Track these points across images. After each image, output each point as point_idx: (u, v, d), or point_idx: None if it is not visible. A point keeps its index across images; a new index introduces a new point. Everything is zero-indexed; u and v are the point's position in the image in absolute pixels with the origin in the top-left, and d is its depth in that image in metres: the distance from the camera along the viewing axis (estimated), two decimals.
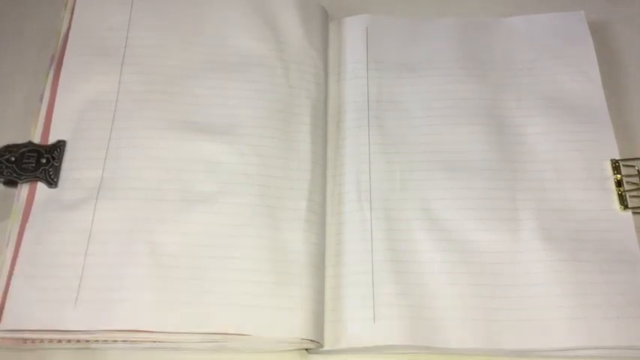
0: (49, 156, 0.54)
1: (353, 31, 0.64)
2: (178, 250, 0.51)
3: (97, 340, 0.49)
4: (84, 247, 0.51)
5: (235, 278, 0.50)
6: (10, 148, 0.55)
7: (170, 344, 0.49)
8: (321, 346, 0.50)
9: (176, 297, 0.49)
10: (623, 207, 0.55)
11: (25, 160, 0.54)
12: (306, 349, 0.51)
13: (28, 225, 0.52)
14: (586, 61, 0.61)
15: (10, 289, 0.49)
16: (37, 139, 0.55)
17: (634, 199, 0.55)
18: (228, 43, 0.61)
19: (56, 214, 0.52)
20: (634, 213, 0.55)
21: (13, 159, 0.54)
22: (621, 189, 0.55)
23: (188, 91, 0.58)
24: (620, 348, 0.49)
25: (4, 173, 0.54)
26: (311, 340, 0.49)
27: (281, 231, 0.52)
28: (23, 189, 0.54)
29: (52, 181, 0.53)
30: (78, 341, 0.49)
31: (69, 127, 0.56)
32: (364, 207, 0.55)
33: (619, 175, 0.56)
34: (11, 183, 0.54)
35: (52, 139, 0.55)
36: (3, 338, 0.49)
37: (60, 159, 0.54)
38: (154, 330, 0.48)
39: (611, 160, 0.57)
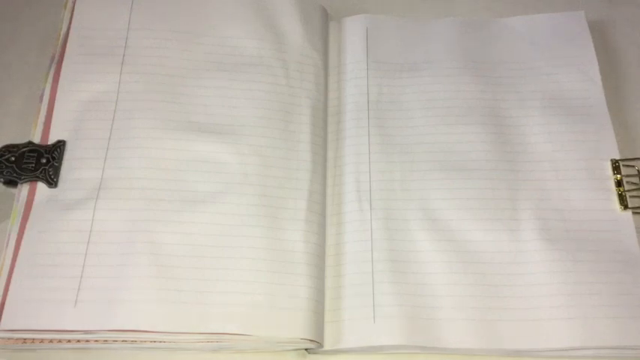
0: (49, 156, 0.54)
1: (353, 31, 0.64)
2: (178, 250, 0.51)
3: (96, 340, 0.49)
4: (84, 247, 0.51)
5: (235, 278, 0.50)
6: (10, 148, 0.55)
7: (170, 344, 0.49)
8: (321, 346, 0.50)
9: (176, 297, 0.49)
10: (623, 207, 0.55)
11: (25, 160, 0.54)
12: (306, 349, 0.51)
13: (28, 225, 0.52)
14: (586, 61, 0.61)
15: (10, 289, 0.49)
16: (37, 139, 0.55)
17: (634, 199, 0.55)
18: (228, 43, 0.61)
19: (56, 214, 0.52)
20: (634, 213, 0.55)
21: (13, 159, 0.54)
22: (621, 189, 0.55)
23: (188, 91, 0.58)
24: (620, 348, 0.49)
25: (4, 173, 0.54)
26: (311, 340, 0.49)
27: (281, 231, 0.52)
28: (23, 189, 0.54)
29: (52, 181, 0.53)
30: (78, 341, 0.49)
31: (69, 127, 0.56)
32: (364, 207, 0.55)
33: (619, 175, 0.56)
34: (11, 183, 0.54)
35: (52, 139, 0.55)
36: (3, 338, 0.49)
37: (60, 159, 0.54)
38: (154, 330, 0.48)
39: (611, 160, 0.57)
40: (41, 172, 0.53)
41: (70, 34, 0.60)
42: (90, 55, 0.59)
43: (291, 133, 0.57)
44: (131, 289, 0.49)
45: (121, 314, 0.48)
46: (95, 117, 0.56)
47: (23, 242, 0.51)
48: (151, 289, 0.49)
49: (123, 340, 0.49)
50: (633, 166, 0.57)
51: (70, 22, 0.60)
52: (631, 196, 0.55)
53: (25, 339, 0.49)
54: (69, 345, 0.49)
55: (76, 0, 0.61)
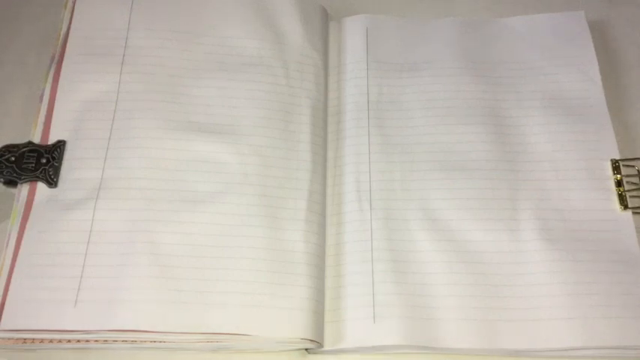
0: (49, 156, 0.54)
1: (353, 31, 0.64)
2: (178, 250, 0.51)
3: (96, 340, 0.49)
4: (84, 247, 0.51)
5: (235, 278, 0.50)
6: (10, 148, 0.55)
7: (170, 344, 0.49)
8: (321, 346, 0.50)
9: (176, 297, 0.49)
10: (623, 207, 0.55)
11: (25, 160, 0.54)
12: (306, 349, 0.51)
13: (28, 225, 0.52)
14: (586, 61, 0.61)
15: (10, 289, 0.49)
16: (37, 139, 0.55)
17: (634, 199, 0.55)
18: (228, 43, 0.61)
19: (56, 214, 0.52)
20: (634, 213, 0.55)
21: (13, 159, 0.54)
22: (621, 189, 0.55)
23: (188, 91, 0.58)
24: (620, 348, 0.49)
25: (4, 173, 0.54)
26: (311, 340, 0.49)
27: (281, 231, 0.52)
28: (23, 189, 0.54)
29: (52, 181, 0.53)
30: (78, 341, 0.49)
31: (69, 127, 0.56)
32: (364, 207, 0.55)
33: (619, 175, 0.56)
34: (11, 183, 0.54)
35: (52, 139, 0.55)
36: (3, 338, 0.49)
37: (60, 159, 0.54)
38: (154, 330, 0.48)
39: (611, 160, 0.57)
40: (41, 172, 0.53)
41: (70, 34, 0.60)
42: (90, 55, 0.59)
43: (291, 133, 0.57)
44: (131, 289, 0.49)
45: (121, 314, 0.48)
46: (95, 117, 0.56)
47: (23, 242, 0.51)
48: (151, 289, 0.49)
49: (123, 340, 0.49)
50: (633, 166, 0.57)
51: (70, 22, 0.60)
52: (631, 196, 0.55)
53: (25, 339, 0.49)
54: (69, 345, 0.49)
55: (76, 0, 0.61)
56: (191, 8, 0.62)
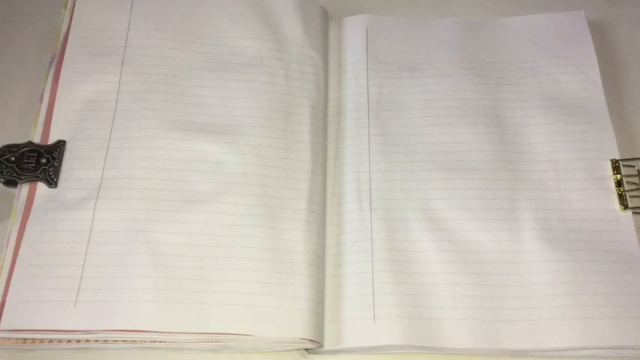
0: (49, 156, 0.54)
1: (353, 31, 0.64)
2: (178, 250, 0.51)
3: (96, 340, 0.49)
4: (84, 247, 0.51)
5: (235, 278, 0.50)
6: (10, 148, 0.55)
7: (170, 344, 0.49)
8: (321, 346, 0.50)
9: (176, 297, 0.49)
10: (623, 207, 0.55)
11: (25, 160, 0.54)
12: (306, 349, 0.51)
13: (28, 225, 0.52)
14: (586, 61, 0.61)
15: (10, 289, 0.49)
16: (37, 139, 0.55)
17: (634, 199, 0.55)
18: (228, 43, 0.61)
19: (56, 214, 0.52)
20: (634, 213, 0.55)
21: (13, 159, 0.54)
22: (621, 189, 0.55)
23: (188, 91, 0.58)
24: (620, 348, 0.49)
25: (4, 173, 0.54)
26: (311, 340, 0.49)
27: (281, 231, 0.52)
28: (23, 189, 0.54)
29: (52, 181, 0.53)
30: (78, 341, 0.49)
31: (69, 127, 0.56)
32: (364, 207, 0.55)
33: (619, 175, 0.56)
34: (11, 183, 0.54)
35: (52, 139, 0.55)
36: (3, 338, 0.49)
37: (60, 159, 0.54)
38: (154, 330, 0.48)
39: (611, 160, 0.57)
40: (41, 172, 0.53)
41: (70, 34, 0.60)
42: (90, 55, 0.59)
43: (291, 133, 0.57)
44: (131, 289, 0.49)
45: (121, 314, 0.48)
46: (95, 117, 0.56)
47: (23, 242, 0.51)
48: (151, 289, 0.49)
49: (123, 340, 0.49)
50: (633, 166, 0.57)
51: (70, 22, 0.60)
52: (631, 196, 0.55)
53: (25, 339, 0.49)
54: (69, 345, 0.49)
55: (76, 0, 0.61)
56: (191, 8, 0.62)
